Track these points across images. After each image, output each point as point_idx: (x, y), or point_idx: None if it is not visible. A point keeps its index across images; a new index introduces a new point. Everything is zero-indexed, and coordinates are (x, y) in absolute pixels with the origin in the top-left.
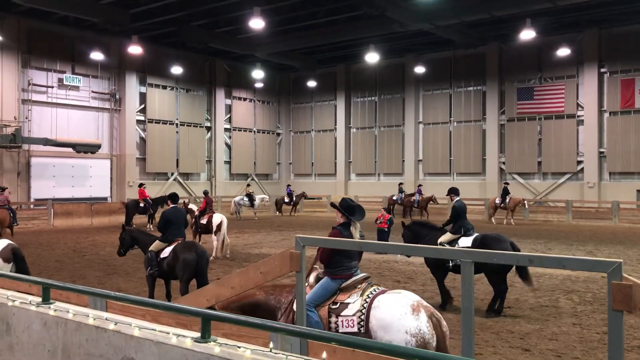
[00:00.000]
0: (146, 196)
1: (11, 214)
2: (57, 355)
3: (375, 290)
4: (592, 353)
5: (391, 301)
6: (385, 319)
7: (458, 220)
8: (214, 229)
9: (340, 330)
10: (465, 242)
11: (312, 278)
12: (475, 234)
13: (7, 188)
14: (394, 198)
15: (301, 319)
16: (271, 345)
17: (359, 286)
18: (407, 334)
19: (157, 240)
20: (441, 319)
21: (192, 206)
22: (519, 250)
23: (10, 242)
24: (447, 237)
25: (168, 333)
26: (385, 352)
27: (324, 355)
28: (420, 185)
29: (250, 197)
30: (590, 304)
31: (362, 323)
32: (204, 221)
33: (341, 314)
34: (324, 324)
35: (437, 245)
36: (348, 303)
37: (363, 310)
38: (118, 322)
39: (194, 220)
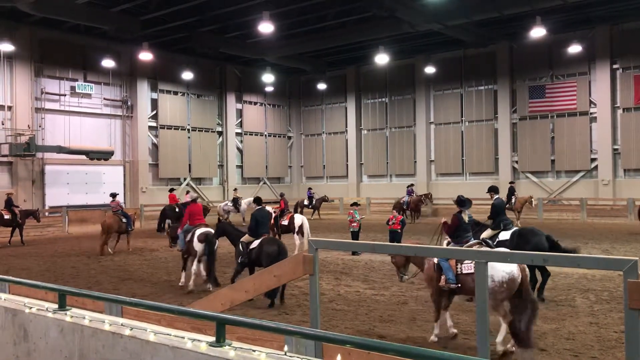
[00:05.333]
0: (177, 201)
1: (124, 220)
2: None
3: (484, 249)
4: (609, 352)
5: None
6: (491, 262)
7: (498, 217)
8: (296, 229)
9: (464, 272)
10: (505, 235)
11: (444, 243)
12: (514, 228)
13: (118, 194)
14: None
15: (315, 321)
16: (286, 348)
17: (474, 247)
18: (503, 272)
19: (247, 235)
20: (526, 268)
21: (268, 208)
22: (555, 242)
23: (208, 229)
24: (488, 232)
25: (183, 338)
26: (400, 353)
27: (339, 357)
28: (410, 185)
29: (235, 201)
30: (607, 302)
31: None
32: (285, 222)
33: (464, 262)
34: (453, 269)
35: (480, 240)
36: None
37: None
38: (134, 328)
39: (273, 221)
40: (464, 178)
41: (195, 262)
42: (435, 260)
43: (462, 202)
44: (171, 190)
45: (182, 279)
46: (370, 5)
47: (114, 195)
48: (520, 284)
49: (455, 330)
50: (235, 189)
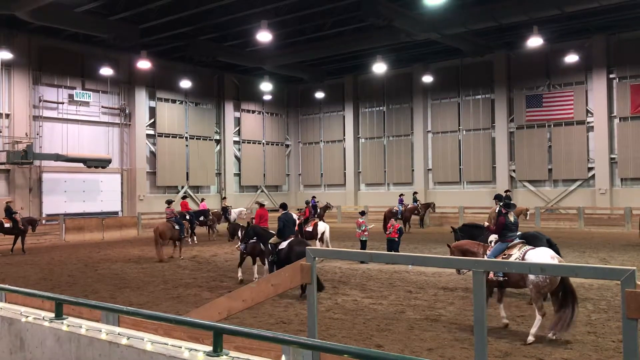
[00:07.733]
0: (189, 208)
1: (177, 227)
2: None
3: (527, 247)
4: None
5: (538, 251)
6: (534, 259)
7: None
8: (319, 235)
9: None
10: None
11: (493, 241)
12: (518, 232)
13: (173, 201)
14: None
15: (313, 330)
16: (283, 358)
17: (518, 246)
18: None
19: (275, 236)
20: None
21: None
22: (555, 245)
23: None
24: (494, 236)
25: (180, 347)
26: None
27: None
28: (401, 194)
29: (225, 210)
30: (604, 311)
31: None
32: (309, 228)
33: (509, 258)
34: None
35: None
36: (512, 254)
37: (519, 257)
38: (130, 337)
39: (297, 227)
40: (461, 187)
41: (266, 262)
42: (485, 255)
43: (508, 205)
44: (183, 197)
45: (240, 275)
46: (368, 15)
47: (169, 202)
48: (561, 279)
49: (506, 321)
50: (224, 198)
